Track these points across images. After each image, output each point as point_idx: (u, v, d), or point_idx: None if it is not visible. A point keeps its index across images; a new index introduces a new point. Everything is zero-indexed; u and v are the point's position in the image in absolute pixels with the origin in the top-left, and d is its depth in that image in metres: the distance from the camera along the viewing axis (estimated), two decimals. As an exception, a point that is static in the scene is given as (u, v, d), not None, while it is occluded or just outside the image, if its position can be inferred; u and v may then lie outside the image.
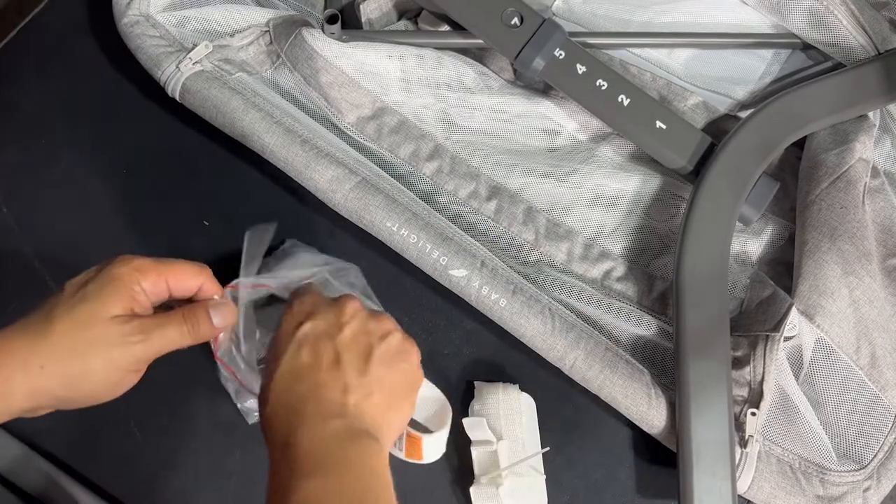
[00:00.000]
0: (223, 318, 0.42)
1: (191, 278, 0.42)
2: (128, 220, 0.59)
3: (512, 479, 0.50)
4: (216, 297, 0.43)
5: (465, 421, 0.51)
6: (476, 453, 0.51)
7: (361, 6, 0.62)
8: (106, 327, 0.37)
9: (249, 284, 0.45)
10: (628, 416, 0.52)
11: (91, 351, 0.37)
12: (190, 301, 0.42)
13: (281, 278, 0.47)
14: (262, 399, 0.39)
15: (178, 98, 0.58)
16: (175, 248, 0.58)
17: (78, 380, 0.37)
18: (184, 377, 0.54)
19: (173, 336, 0.39)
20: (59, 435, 0.53)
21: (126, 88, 0.62)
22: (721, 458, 0.48)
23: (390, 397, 0.39)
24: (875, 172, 0.58)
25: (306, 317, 0.41)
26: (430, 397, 0.48)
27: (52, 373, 0.36)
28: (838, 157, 0.56)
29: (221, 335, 0.44)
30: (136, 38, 0.58)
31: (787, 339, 0.52)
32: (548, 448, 0.51)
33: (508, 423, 0.51)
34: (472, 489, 0.50)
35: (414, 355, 0.42)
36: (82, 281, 0.39)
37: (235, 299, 0.44)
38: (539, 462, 0.51)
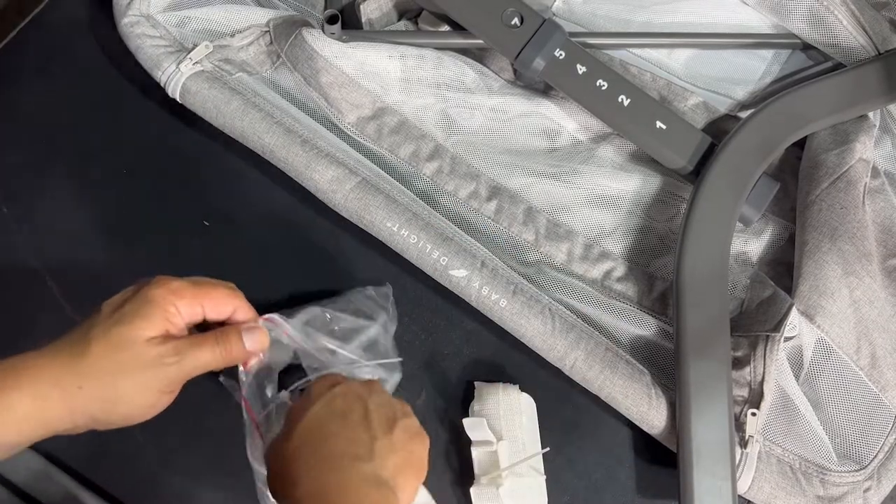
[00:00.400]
0: (255, 343, 0.42)
1: (225, 302, 0.42)
2: (128, 220, 0.59)
3: (512, 479, 0.49)
4: (250, 321, 0.43)
5: (465, 421, 0.51)
6: (476, 453, 0.51)
7: (361, 6, 0.62)
8: (141, 349, 0.38)
9: (284, 325, 0.45)
10: (628, 417, 0.52)
11: (127, 373, 0.37)
12: (223, 324, 0.43)
13: (314, 343, 0.46)
14: (284, 437, 0.39)
15: (178, 98, 0.58)
16: (175, 249, 0.58)
17: (114, 401, 0.37)
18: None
19: (206, 358, 0.40)
20: (59, 435, 0.53)
21: (126, 88, 0.62)
22: (721, 459, 0.48)
23: (407, 467, 0.40)
24: (875, 173, 0.58)
25: (338, 383, 0.42)
26: None
27: (90, 393, 0.37)
28: (838, 158, 0.56)
29: (252, 362, 0.44)
30: (137, 38, 0.58)
31: (788, 339, 0.52)
32: (548, 448, 0.51)
33: (508, 423, 0.51)
34: (472, 489, 0.50)
35: (427, 445, 0.42)
36: (119, 302, 0.39)
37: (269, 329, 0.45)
38: (539, 462, 0.51)
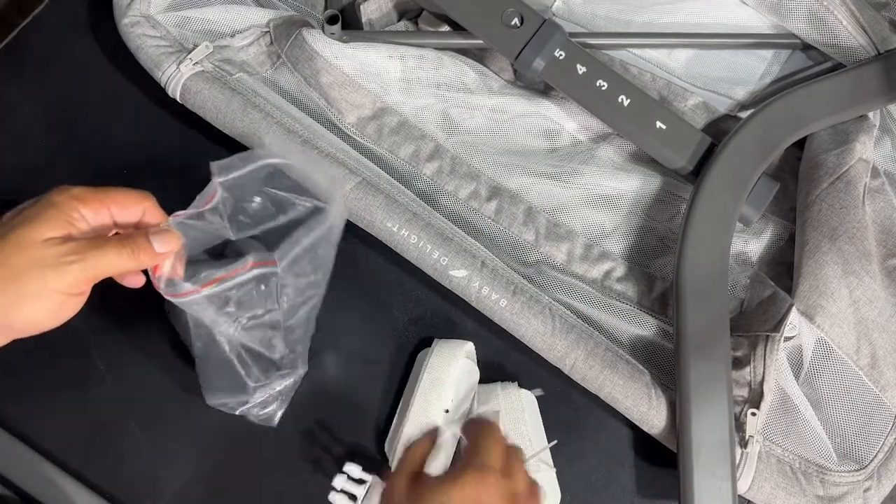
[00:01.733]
0: (165, 245, 0.40)
1: (133, 204, 0.41)
2: (128, 220, 0.59)
3: None
4: (161, 224, 0.42)
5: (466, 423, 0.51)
6: None
7: (362, 7, 0.62)
8: (39, 250, 0.36)
9: (188, 217, 0.43)
10: (628, 417, 0.52)
11: (26, 274, 0.36)
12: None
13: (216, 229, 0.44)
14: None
15: (178, 98, 0.58)
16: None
17: (17, 304, 0.36)
18: (184, 377, 0.54)
19: (112, 259, 0.38)
20: (60, 435, 0.53)
21: (126, 88, 0.62)
22: (721, 459, 0.48)
23: None
24: (875, 173, 0.58)
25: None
26: None
27: None
28: (838, 158, 0.56)
29: (165, 268, 0.42)
30: (137, 39, 0.58)
31: (788, 339, 0.52)
32: (556, 441, 0.51)
33: (512, 421, 0.51)
34: None
35: None
36: (18, 209, 0.38)
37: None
38: (548, 456, 0.51)
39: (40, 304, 0.37)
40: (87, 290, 0.38)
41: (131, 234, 0.40)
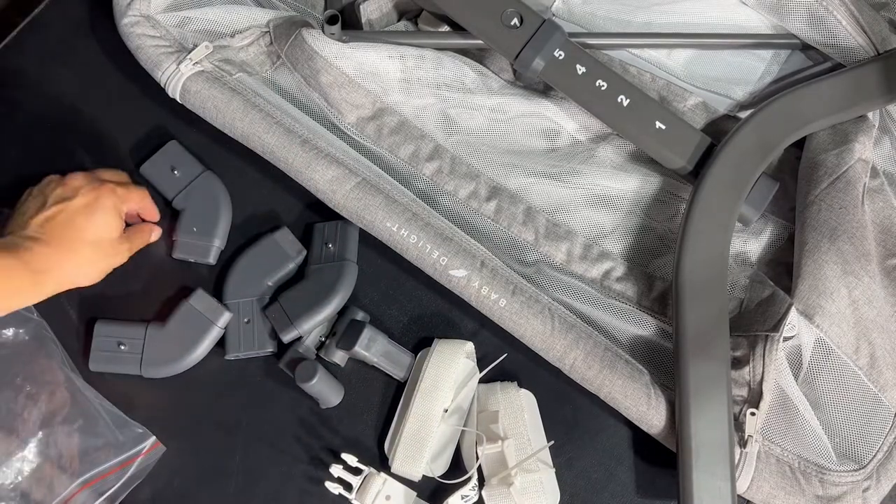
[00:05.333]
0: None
1: (141, 199, 0.57)
2: (128, 220, 0.59)
3: (522, 476, 0.49)
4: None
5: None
6: (483, 455, 0.51)
7: (361, 7, 0.62)
8: (103, 246, 0.53)
9: None
10: (628, 416, 0.52)
11: (90, 262, 0.53)
12: None
13: None
14: None
15: (178, 98, 0.58)
16: (175, 248, 0.58)
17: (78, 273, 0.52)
18: (184, 378, 0.54)
19: (141, 242, 0.57)
20: (60, 435, 0.53)
21: (126, 88, 0.62)
22: (721, 458, 0.48)
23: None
24: (874, 173, 0.58)
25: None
26: None
27: None
28: (838, 158, 0.56)
29: None
30: (137, 39, 0.58)
31: (787, 339, 0.52)
32: (553, 442, 0.51)
33: (511, 421, 0.52)
34: (483, 492, 0.50)
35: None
36: (42, 190, 0.54)
37: None
38: (547, 455, 0.51)
39: (94, 273, 0.53)
40: None
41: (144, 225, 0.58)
